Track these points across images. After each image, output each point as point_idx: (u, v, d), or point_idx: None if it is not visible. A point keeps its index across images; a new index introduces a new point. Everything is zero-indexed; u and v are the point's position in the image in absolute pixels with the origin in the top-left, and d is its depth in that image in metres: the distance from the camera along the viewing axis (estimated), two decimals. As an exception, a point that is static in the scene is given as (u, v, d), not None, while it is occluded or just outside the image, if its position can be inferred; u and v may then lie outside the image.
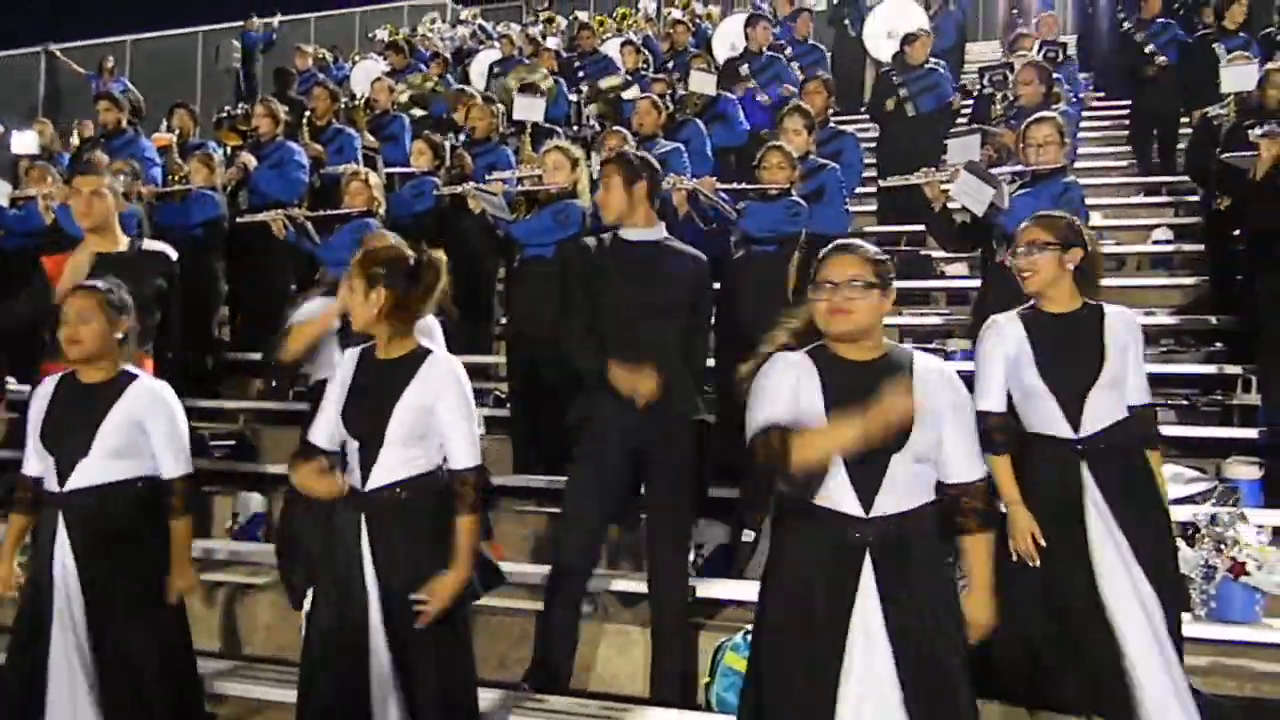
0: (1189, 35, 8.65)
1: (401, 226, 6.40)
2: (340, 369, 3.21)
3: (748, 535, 4.73)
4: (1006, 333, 3.39)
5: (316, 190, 7.66)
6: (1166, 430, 5.34)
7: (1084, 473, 3.28)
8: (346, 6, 19.25)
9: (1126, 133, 9.60)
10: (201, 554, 5.19)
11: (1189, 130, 8.42)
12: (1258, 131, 5.02)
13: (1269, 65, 6.20)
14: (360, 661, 3.01)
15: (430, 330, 3.56)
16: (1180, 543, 4.01)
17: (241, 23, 15.46)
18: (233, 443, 6.50)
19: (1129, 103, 9.52)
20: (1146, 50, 8.72)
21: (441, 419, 3.04)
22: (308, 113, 8.59)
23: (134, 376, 3.47)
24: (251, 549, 5.36)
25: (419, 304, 3.10)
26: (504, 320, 6.90)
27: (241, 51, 15.31)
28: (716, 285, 5.91)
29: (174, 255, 4.64)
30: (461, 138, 8.17)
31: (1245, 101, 6.27)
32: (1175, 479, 4.78)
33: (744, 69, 9.11)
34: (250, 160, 7.55)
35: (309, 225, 6.31)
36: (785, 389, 2.62)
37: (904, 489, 2.57)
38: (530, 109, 7.75)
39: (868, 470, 2.54)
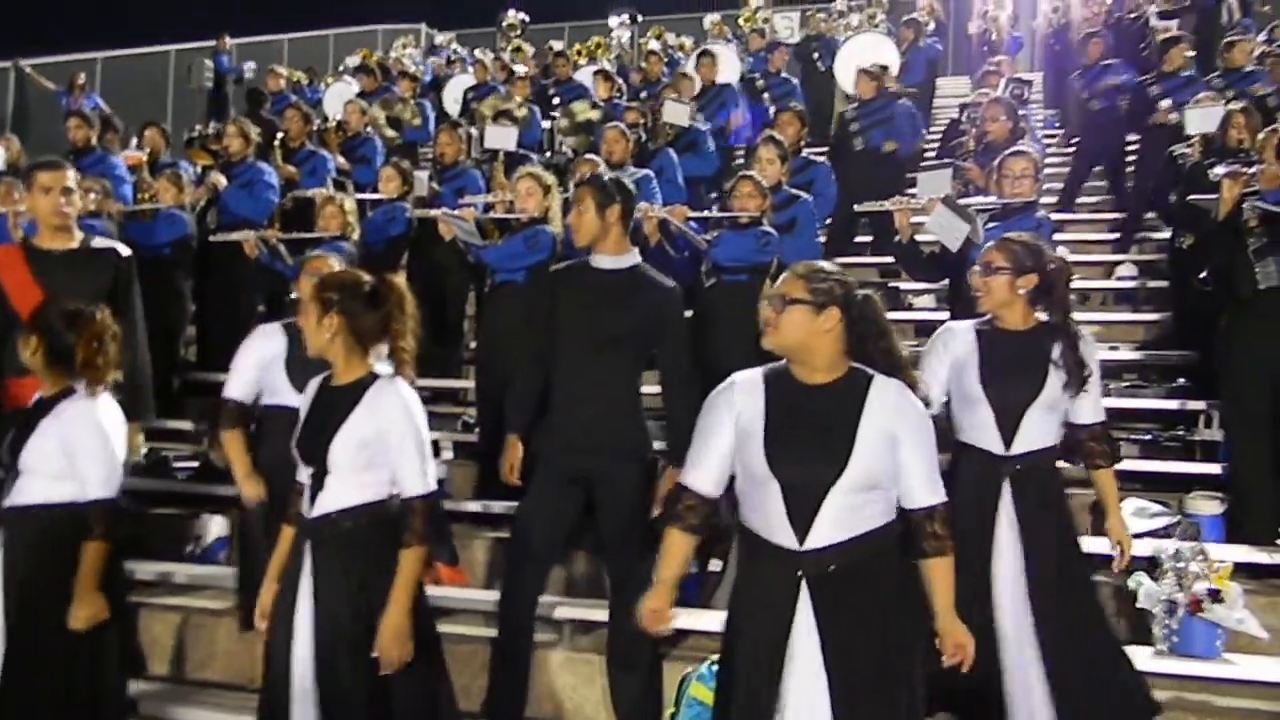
0: (1132, 79, 8.83)
1: (374, 251, 6.46)
2: (304, 396, 3.21)
3: (715, 565, 4.72)
4: (959, 336, 3.49)
5: (289, 212, 7.63)
6: (1129, 465, 5.42)
7: (1004, 489, 3.35)
8: (320, 29, 19.25)
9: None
10: (158, 578, 5.13)
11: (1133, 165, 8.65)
12: (1220, 171, 5.10)
13: (1230, 106, 6.32)
14: (284, 688, 3.00)
15: None
16: (1143, 577, 4.08)
17: (214, 42, 15.39)
18: (196, 464, 6.42)
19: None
20: (1083, 96, 8.97)
21: (390, 446, 3.01)
22: (281, 134, 8.57)
23: (72, 392, 3.42)
24: (211, 573, 5.28)
25: (375, 329, 3.07)
26: (474, 344, 6.88)
27: (213, 71, 15.26)
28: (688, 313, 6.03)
29: (125, 252, 4.48)
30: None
31: (1210, 141, 6.39)
32: (1139, 513, 4.84)
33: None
34: (220, 180, 7.52)
35: (282, 247, 6.31)
36: (725, 422, 2.67)
37: (846, 519, 2.55)
38: (502, 138, 7.78)
39: (803, 503, 2.55)
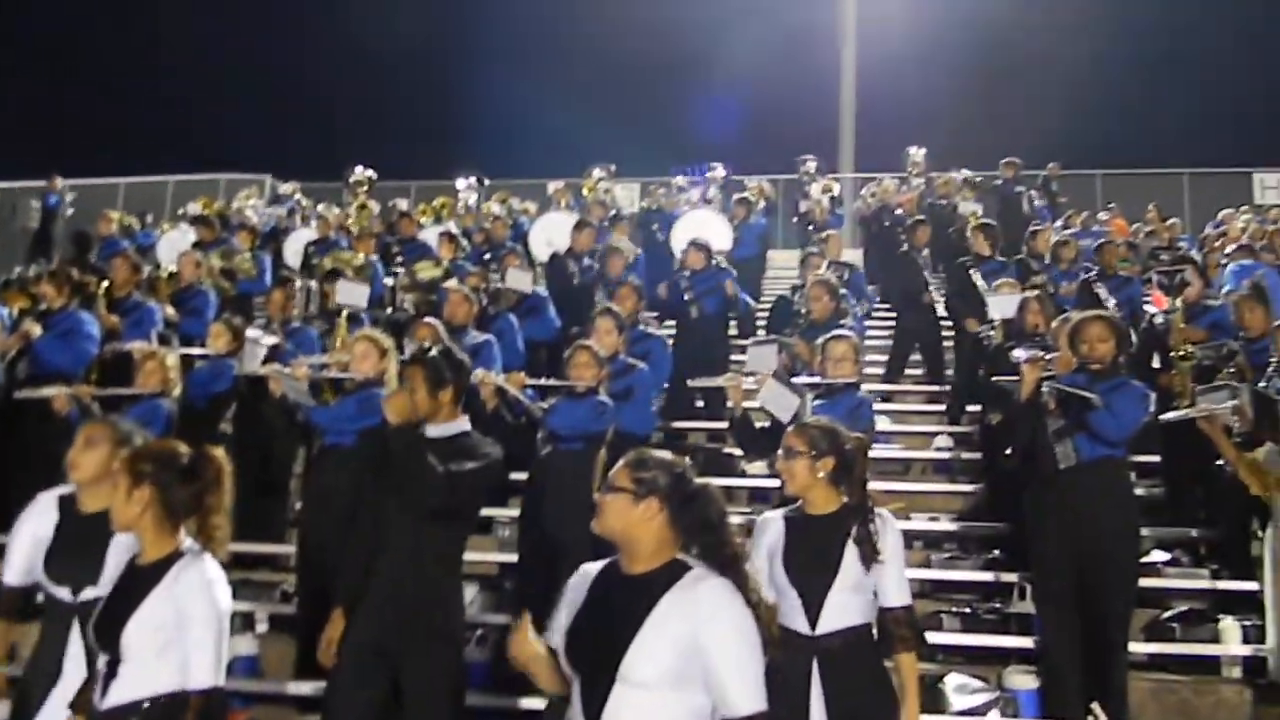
0: (950, 261, 9.54)
1: (196, 408, 6.21)
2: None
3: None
4: (770, 525, 3.57)
5: (108, 364, 7.29)
6: (950, 639, 5.59)
7: (814, 668, 3.39)
8: (160, 174, 18.93)
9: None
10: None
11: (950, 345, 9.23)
12: (1021, 355, 5.44)
13: (1026, 293, 6.85)
14: None
15: None
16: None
17: (45, 181, 14.91)
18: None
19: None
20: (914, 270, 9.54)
21: (187, 630, 2.83)
22: (106, 282, 8.26)
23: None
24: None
25: (188, 504, 2.93)
26: (299, 506, 6.63)
27: (40, 211, 14.74)
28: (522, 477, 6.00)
29: None
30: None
31: (1011, 324, 6.89)
32: (960, 689, 4.95)
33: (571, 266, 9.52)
34: (34, 329, 7.15)
35: (94, 405, 5.99)
36: (566, 602, 2.65)
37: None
38: (353, 295, 7.71)
39: (594, 699, 2.49)
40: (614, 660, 2.46)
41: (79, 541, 3.42)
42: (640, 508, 2.58)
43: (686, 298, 8.91)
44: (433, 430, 3.89)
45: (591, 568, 2.70)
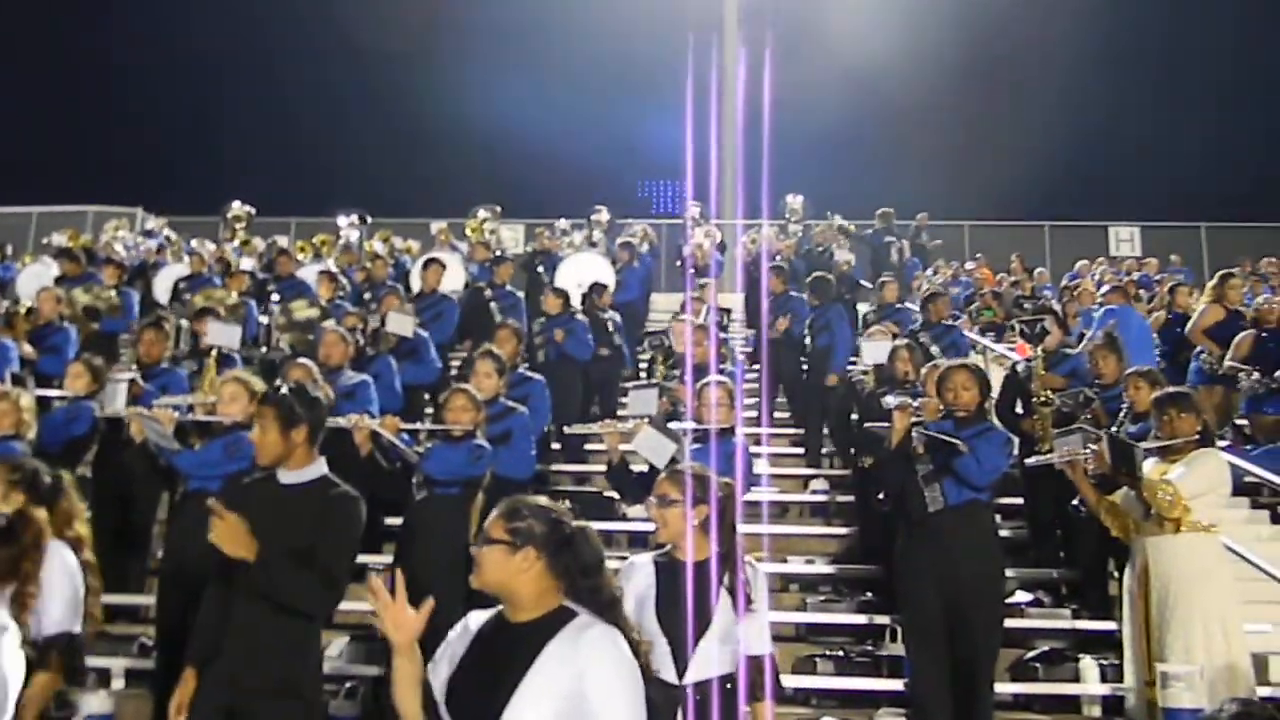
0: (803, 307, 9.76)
1: (51, 453, 5.91)
2: None
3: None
4: (637, 573, 3.55)
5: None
6: (824, 682, 5.67)
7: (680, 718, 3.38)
8: (24, 204, 18.15)
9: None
10: None
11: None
12: (892, 402, 5.61)
13: (896, 342, 7.07)
14: None
15: None
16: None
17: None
18: None
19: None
20: (773, 321, 9.71)
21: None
22: (-44, 317, 7.86)
23: None
24: None
25: (4, 570, 2.78)
26: (160, 555, 6.35)
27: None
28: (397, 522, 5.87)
29: None
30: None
31: (881, 370, 7.09)
32: (832, 733, 5.01)
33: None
34: (-127, 368, 6.75)
35: (-62, 446, 5.65)
36: (446, 654, 2.59)
37: None
38: (224, 335, 7.49)
39: None
40: (495, 711, 2.43)
41: None
42: (517, 558, 2.55)
43: (538, 341, 8.94)
44: (289, 476, 3.76)
45: (475, 617, 2.65)
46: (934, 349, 8.15)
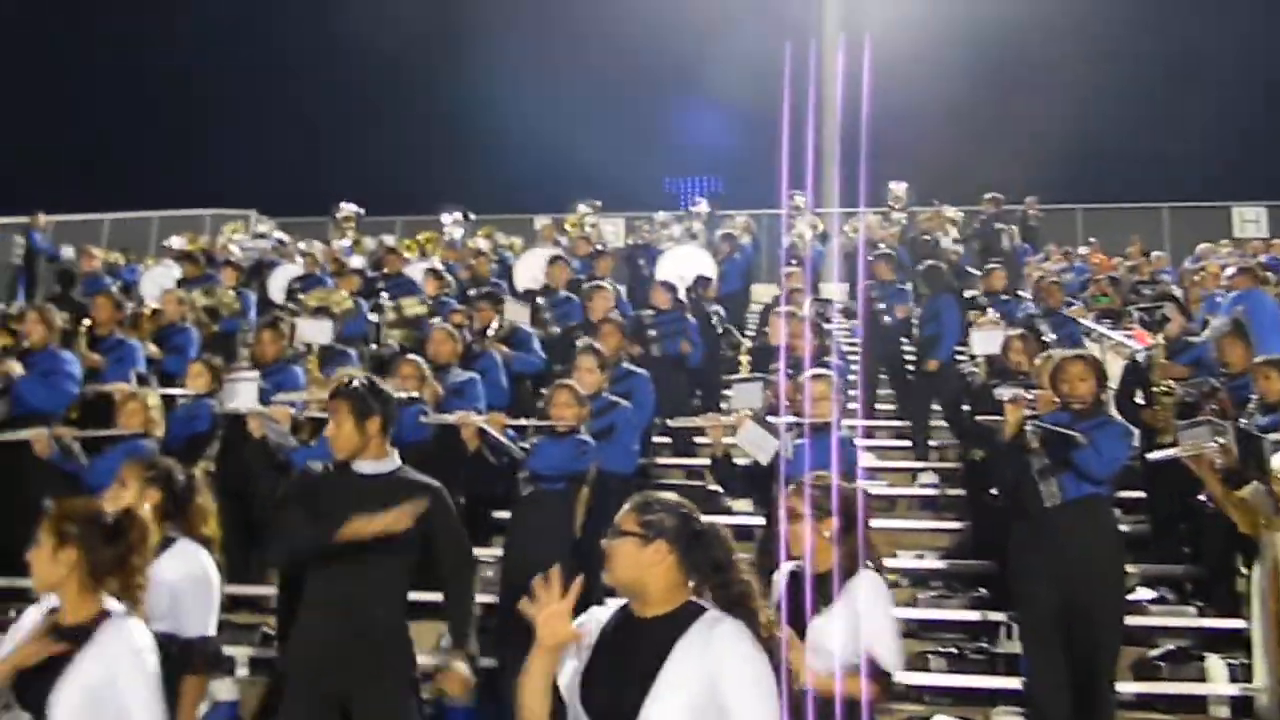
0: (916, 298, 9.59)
1: (174, 449, 6.16)
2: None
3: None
4: (772, 587, 3.49)
5: (89, 403, 7.24)
6: (935, 679, 5.56)
7: None
8: (145, 209, 18.91)
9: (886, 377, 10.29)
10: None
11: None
12: (1005, 395, 5.45)
13: (1009, 332, 6.87)
14: None
15: None
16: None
17: (28, 218, 14.86)
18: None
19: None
20: (879, 307, 9.61)
21: (120, 694, 2.74)
22: (87, 320, 8.23)
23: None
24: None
25: (113, 566, 2.86)
26: (280, 549, 6.56)
27: (25, 248, 14.69)
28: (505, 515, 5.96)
29: None
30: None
31: (994, 361, 6.90)
32: (944, 733, 4.91)
33: (541, 302, 9.48)
34: (15, 368, 7.10)
35: (76, 445, 5.94)
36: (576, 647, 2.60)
37: None
38: (316, 332, 7.70)
39: None
40: (633, 706, 2.45)
41: None
42: (649, 550, 2.57)
43: (651, 335, 8.92)
44: (365, 467, 3.85)
45: (601, 612, 2.67)
46: (1050, 337, 7.91)
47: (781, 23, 19.94)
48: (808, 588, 3.45)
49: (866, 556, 3.51)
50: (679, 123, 25.32)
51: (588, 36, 25.10)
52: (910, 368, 9.29)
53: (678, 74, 24.73)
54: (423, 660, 4.02)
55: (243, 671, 5.81)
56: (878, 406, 9.82)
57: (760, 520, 6.21)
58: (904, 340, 9.51)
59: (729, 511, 7.81)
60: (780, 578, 3.56)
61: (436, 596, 3.99)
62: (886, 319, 9.46)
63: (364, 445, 3.81)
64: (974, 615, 6.10)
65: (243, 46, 26.36)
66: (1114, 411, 5.37)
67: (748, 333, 11.24)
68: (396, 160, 25.83)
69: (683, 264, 10.64)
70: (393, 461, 3.89)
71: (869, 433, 9.26)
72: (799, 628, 3.38)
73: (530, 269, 11.33)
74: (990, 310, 8.79)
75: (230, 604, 6.52)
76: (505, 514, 5.93)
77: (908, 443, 9.15)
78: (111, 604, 2.87)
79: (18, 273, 14.63)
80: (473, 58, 25.11)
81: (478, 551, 6.64)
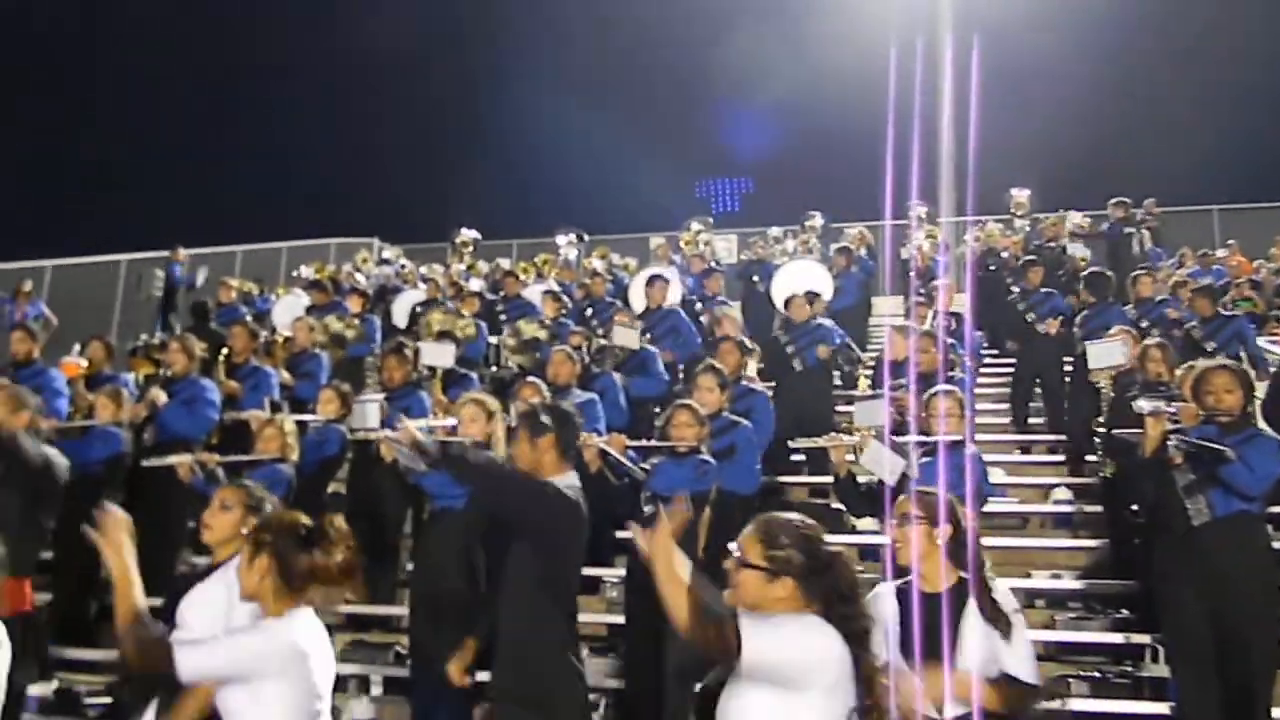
0: (1067, 306, 9.24)
1: (307, 473, 6.37)
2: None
3: None
4: (881, 602, 3.38)
5: (227, 429, 7.54)
6: (1078, 705, 5.32)
7: None
8: (273, 241, 19.66)
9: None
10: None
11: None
12: (1145, 407, 5.17)
13: (1147, 340, 6.57)
14: None
15: None
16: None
17: (167, 252, 15.59)
18: (109, 700, 6.05)
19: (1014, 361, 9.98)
20: (1028, 318, 9.30)
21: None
22: (225, 349, 8.58)
23: None
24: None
25: (307, 574, 2.97)
26: (409, 568, 6.71)
27: (164, 281, 15.40)
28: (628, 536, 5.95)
29: None
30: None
31: (1127, 373, 6.60)
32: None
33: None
34: (160, 396, 7.44)
35: (219, 470, 6.18)
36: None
37: None
38: (438, 355, 7.86)
39: None
40: None
41: None
42: (775, 586, 2.62)
43: (789, 350, 8.81)
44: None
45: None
46: (1209, 345, 7.53)
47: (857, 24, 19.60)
48: (915, 605, 3.35)
49: (978, 571, 3.39)
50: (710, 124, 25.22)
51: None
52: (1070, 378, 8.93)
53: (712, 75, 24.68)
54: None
55: (377, 690, 5.94)
56: (995, 421, 9.51)
57: (887, 539, 6.07)
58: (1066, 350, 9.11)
59: (853, 530, 7.68)
60: (884, 596, 3.44)
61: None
62: (1040, 329, 9.13)
63: (537, 462, 4.03)
64: (1117, 638, 5.83)
65: (371, 94, 27.33)
66: (1263, 424, 5.07)
67: (872, 347, 11.06)
68: (510, 184, 26.36)
69: (798, 279, 10.52)
70: (569, 479, 4.05)
71: (1025, 449, 9.00)
72: (908, 649, 3.29)
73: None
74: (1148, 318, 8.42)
75: (364, 623, 6.71)
76: (628, 534, 5.93)
77: (1041, 458, 8.84)
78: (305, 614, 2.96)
79: (159, 305, 15.35)
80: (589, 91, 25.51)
81: (601, 571, 6.75)
